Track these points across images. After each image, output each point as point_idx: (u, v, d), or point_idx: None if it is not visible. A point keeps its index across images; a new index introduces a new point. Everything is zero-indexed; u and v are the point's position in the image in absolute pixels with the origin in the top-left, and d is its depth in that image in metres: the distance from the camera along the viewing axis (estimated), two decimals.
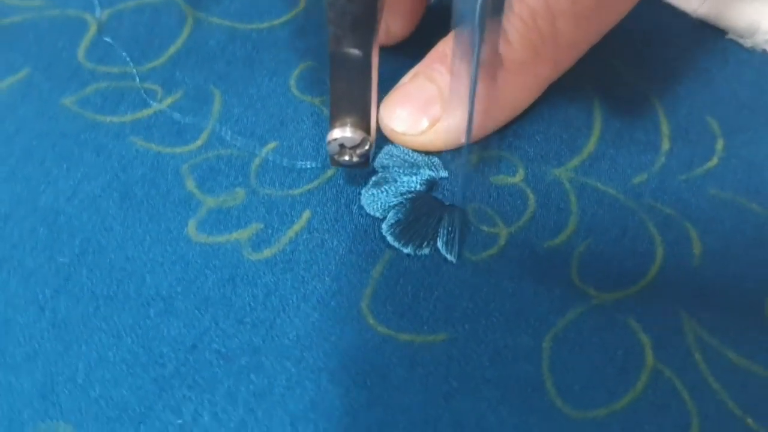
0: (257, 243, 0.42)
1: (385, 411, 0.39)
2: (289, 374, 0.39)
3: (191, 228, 0.43)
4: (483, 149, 0.45)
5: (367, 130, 0.39)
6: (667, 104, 0.47)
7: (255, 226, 0.43)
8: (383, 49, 0.46)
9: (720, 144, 0.46)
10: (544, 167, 0.44)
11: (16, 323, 0.41)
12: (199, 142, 0.45)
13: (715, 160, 0.45)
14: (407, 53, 0.47)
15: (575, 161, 0.44)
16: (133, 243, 0.43)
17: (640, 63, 0.48)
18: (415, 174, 0.43)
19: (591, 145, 0.45)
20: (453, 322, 0.40)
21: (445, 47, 0.43)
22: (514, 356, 0.40)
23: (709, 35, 0.50)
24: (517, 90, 0.44)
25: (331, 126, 0.39)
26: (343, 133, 0.39)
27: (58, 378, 0.39)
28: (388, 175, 0.43)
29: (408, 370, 0.39)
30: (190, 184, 0.44)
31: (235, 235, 0.43)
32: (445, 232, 0.42)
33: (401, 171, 0.43)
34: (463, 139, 0.42)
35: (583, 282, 0.41)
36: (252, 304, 0.41)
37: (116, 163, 0.45)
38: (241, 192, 0.44)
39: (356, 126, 0.39)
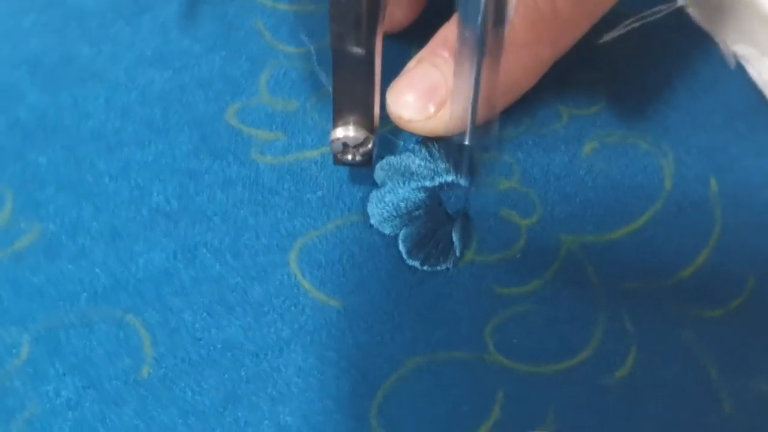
0: (268, 147, 0.44)
1: (230, 319, 0.40)
2: (192, 256, 0.41)
3: (232, 108, 0.45)
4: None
5: (370, 129, 0.39)
6: (725, 238, 0.42)
7: (278, 135, 0.44)
8: (387, 37, 0.46)
9: (738, 301, 0.40)
10: (558, 227, 0.42)
11: None
12: (301, 50, 0.47)
13: (719, 312, 0.40)
14: (411, 39, 0.46)
15: (590, 238, 0.41)
16: (176, 90, 0.46)
17: (728, 190, 0.43)
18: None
19: (617, 234, 0.41)
20: (355, 296, 0.40)
21: (447, 32, 0.42)
22: (372, 356, 0.39)
23: None
24: (519, 72, 0.42)
25: (334, 125, 0.39)
26: (346, 132, 0.39)
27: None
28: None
29: (283, 308, 0.40)
30: (263, 78, 0.46)
31: (257, 131, 0.44)
32: (409, 240, 0.41)
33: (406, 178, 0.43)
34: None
35: (492, 336, 0.39)
36: (218, 191, 0.43)
37: (224, 31, 0.48)
38: (294, 104, 0.45)
39: (359, 125, 0.39)
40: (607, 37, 0.46)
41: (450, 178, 0.42)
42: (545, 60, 0.43)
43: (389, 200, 0.41)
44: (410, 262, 0.40)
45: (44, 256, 0.41)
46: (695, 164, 0.43)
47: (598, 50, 0.46)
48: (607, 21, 0.46)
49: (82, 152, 0.43)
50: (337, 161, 0.41)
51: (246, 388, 0.38)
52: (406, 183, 0.41)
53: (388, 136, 0.43)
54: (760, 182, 0.43)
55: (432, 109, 0.40)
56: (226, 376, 0.38)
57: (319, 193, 0.42)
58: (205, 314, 0.39)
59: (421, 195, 0.41)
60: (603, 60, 0.46)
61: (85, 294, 0.40)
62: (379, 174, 0.42)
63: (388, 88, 0.42)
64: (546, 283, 0.40)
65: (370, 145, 0.40)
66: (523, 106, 0.45)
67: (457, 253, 0.40)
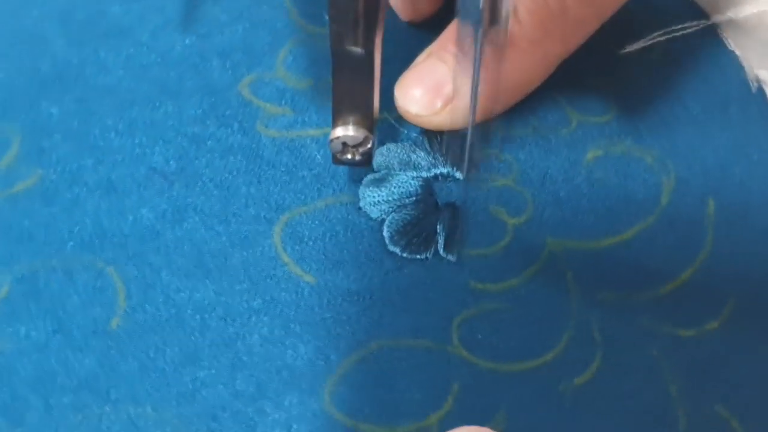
0: (273, 121, 0.44)
1: (205, 283, 0.40)
2: (180, 217, 0.42)
3: (247, 79, 0.45)
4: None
5: (370, 129, 0.39)
6: (712, 260, 0.41)
7: (286, 110, 0.44)
8: (407, 26, 0.47)
9: (712, 324, 0.40)
10: (544, 229, 0.41)
11: None
12: (324, 30, 0.47)
13: (691, 332, 0.39)
14: (429, 30, 0.45)
15: (574, 244, 0.41)
16: (195, 57, 0.46)
17: (725, 213, 0.43)
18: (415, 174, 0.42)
19: (603, 243, 0.41)
20: (330, 274, 0.40)
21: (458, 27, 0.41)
22: (336, 334, 0.39)
23: None
24: (527, 69, 0.42)
25: (334, 124, 0.40)
26: (345, 131, 0.39)
27: None
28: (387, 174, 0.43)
29: (258, 278, 0.41)
30: (282, 53, 0.46)
31: (266, 105, 0.45)
32: (394, 226, 0.41)
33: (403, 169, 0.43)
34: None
35: (458, 328, 0.39)
36: (218, 158, 0.43)
37: (252, 3, 0.48)
38: (308, 82, 0.45)
39: (359, 124, 0.39)
40: (630, 47, 0.46)
41: (446, 170, 0.42)
42: (553, 58, 0.43)
43: (383, 185, 0.41)
44: (391, 247, 0.41)
45: (39, 201, 0.42)
46: (696, 183, 0.43)
47: (619, 60, 0.46)
48: (632, 31, 0.46)
49: (94, 106, 0.44)
50: (336, 161, 0.41)
51: (208, 350, 0.39)
52: (404, 171, 0.41)
53: (393, 122, 0.43)
54: (760, 208, 0.42)
55: (439, 104, 0.41)
56: (192, 337, 0.39)
57: (315, 171, 0.42)
58: (182, 275, 0.40)
59: (416, 184, 0.41)
60: (622, 70, 0.46)
61: (71, 242, 0.41)
62: (378, 159, 0.42)
63: (396, 82, 0.43)
64: (522, 282, 0.40)
65: (369, 145, 0.40)
66: (533, 108, 0.44)
67: (439, 245, 0.40)
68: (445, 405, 0.37)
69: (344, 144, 0.40)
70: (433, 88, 0.40)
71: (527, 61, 0.42)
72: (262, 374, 0.38)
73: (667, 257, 0.41)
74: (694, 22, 0.47)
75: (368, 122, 0.39)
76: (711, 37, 0.47)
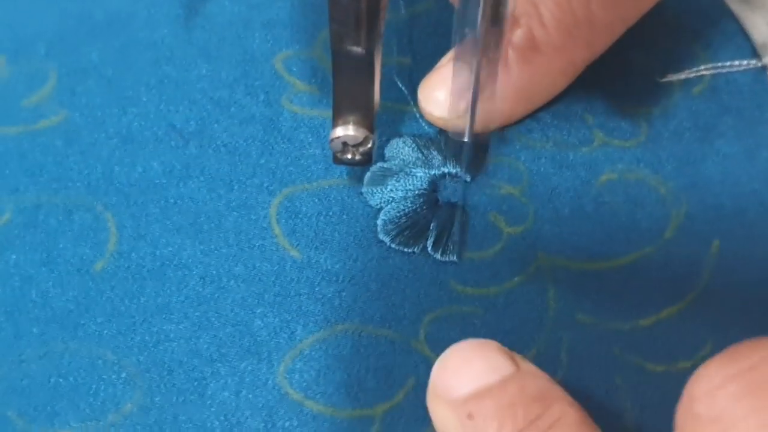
0: (298, 97, 0.45)
1: (195, 242, 0.41)
2: (186, 175, 0.43)
3: (284, 53, 0.46)
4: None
5: (370, 129, 0.40)
6: (701, 300, 0.40)
7: (313, 89, 0.45)
8: (433, 27, 0.47)
9: (684, 364, 0.39)
10: (538, 243, 0.41)
11: None
12: None
13: (661, 368, 0.39)
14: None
15: (564, 262, 0.40)
16: (239, 25, 0.47)
17: (728, 258, 0.41)
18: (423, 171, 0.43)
19: (593, 266, 0.40)
20: (316, 252, 0.41)
21: None
22: (306, 311, 0.40)
23: None
24: (553, 74, 0.43)
25: (334, 124, 0.40)
26: (345, 131, 0.39)
27: None
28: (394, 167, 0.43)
29: (246, 245, 0.41)
30: (322, 35, 0.47)
31: (296, 81, 0.45)
32: (389, 214, 0.42)
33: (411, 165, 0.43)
34: (498, 122, 0.42)
35: (427, 325, 0.39)
36: (237, 124, 0.44)
37: None
38: None
39: (359, 124, 0.39)
40: (672, 77, 0.45)
41: (455, 171, 0.42)
42: (579, 63, 0.43)
43: (390, 175, 0.41)
44: (382, 236, 0.41)
45: (59, 140, 0.43)
46: (706, 222, 0.42)
47: (658, 87, 0.45)
48: (677, 61, 0.45)
49: (133, 58, 0.46)
50: (337, 160, 0.41)
51: (179, 307, 0.39)
52: (414, 166, 0.42)
53: (417, 116, 0.44)
54: (764, 259, 0.41)
55: (462, 107, 0.40)
56: (168, 291, 0.40)
57: (327, 150, 0.43)
58: (174, 231, 0.41)
59: (422, 179, 0.41)
60: (660, 98, 0.45)
61: (78, 183, 0.42)
62: (391, 150, 0.43)
63: (420, 84, 0.43)
64: (502, 291, 0.40)
65: (369, 145, 0.40)
66: (559, 122, 0.44)
67: (429, 241, 0.40)
68: (396, 397, 0.37)
69: (344, 144, 0.40)
70: (457, 91, 0.40)
71: (553, 66, 0.42)
72: (225, 337, 0.39)
73: (656, 291, 0.40)
74: (744, 61, 0.46)
75: (368, 122, 0.39)
76: (758, 79, 0.46)
